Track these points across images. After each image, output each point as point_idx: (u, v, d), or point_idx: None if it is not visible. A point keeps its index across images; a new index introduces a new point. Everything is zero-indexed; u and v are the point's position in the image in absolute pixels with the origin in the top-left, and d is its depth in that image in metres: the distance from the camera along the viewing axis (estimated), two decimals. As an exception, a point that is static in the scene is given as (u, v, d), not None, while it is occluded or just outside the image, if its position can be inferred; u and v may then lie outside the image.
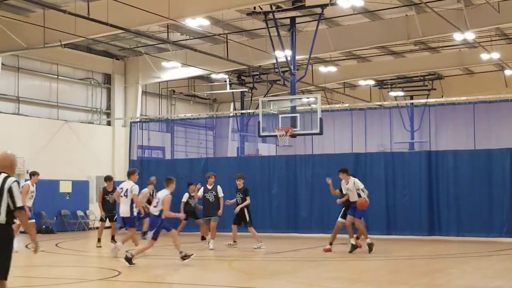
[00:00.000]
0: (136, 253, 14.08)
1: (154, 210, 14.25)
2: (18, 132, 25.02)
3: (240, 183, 18.51)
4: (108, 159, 29.07)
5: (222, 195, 18.20)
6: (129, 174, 16.76)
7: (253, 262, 15.88)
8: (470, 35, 24.43)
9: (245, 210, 18.20)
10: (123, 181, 27.71)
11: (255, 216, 24.08)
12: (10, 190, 7.40)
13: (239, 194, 18.32)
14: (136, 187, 16.21)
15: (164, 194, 14.22)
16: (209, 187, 18.29)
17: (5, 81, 25.12)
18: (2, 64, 24.49)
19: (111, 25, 20.15)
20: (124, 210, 16.12)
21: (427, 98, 30.88)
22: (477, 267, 14.21)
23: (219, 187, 18.26)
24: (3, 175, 7.55)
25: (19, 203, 7.40)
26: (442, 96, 31.32)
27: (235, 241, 18.51)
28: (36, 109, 26.59)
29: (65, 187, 26.74)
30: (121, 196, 16.17)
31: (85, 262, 16.55)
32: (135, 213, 16.19)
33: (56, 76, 27.52)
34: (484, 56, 28.90)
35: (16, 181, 7.53)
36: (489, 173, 20.94)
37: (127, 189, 16.15)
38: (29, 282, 12.58)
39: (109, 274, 13.05)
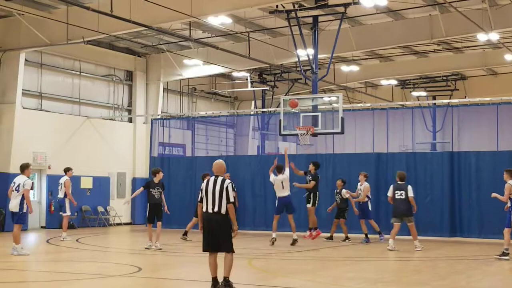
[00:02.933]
0: None
1: None
2: (40, 128, 25.23)
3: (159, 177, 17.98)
4: (129, 155, 29.23)
5: (412, 195, 17.70)
6: (23, 168, 16.11)
7: (274, 260, 15.88)
8: (494, 36, 24.23)
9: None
10: (144, 178, 28.08)
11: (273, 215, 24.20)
12: (227, 189, 10.17)
13: (157, 188, 17.89)
14: (29, 182, 15.84)
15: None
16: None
17: (28, 77, 25.32)
18: (26, 60, 24.69)
19: (134, 22, 20.27)
20: (13, 204, 15.76)
21: (450, 99, 30.82)
22: (499, 269, 14.13)
23: (409, 187, 17.77)
24: (221, 178, 10.32)
25: (231, 199, 10.15)
26: (465, 96, 31.16)
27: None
28: (58, 105, 26.77)
29: (86, 183, 26.94)
30: (13, 191, 15.76)
31: (105, 258, 16.65)
32: (24, 209, 15.75)
33: (78, 73, 27.70)
34: (508, 57, 28.71)
35: (230, 182, 10.26)
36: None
37: (19, 184, 15.72)
38: (51, 277, 12.70)
39: (130, 270, 13.13)
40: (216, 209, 10.13)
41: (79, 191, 26.48)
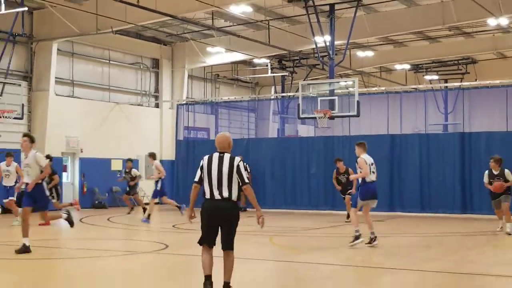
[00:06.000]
0: None
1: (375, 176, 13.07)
2: (73, 114, 25.42)
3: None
4: (156, 139, 29.33)
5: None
6: None
7: (293, 237, 15.90)
8: (504, 21, 23.95)
9: None
10: (171, 160, 28.07)
11: (294, 195, 24.23)
12: (238, 168, 7.68)
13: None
14: None
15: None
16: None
17: (61, 66, 25.47)
18: (58, 49, 24.83)
19: (160, 13, 20.33)
20: None
21: (461, 82, 30.52)
22: (509, 245, 14.04)
23: (506, 171, 15.46)
24: (228, 155, 7.77)
25: (246, 180, 7.65)
26: (476, 79, 30.85)
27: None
28: (89, 92, 26.92)
29: (116, 165, 27.09)
30: None
31: (135, 235, 16.79)
32: None
33: (108, 61, 27.81)
34: (517, 41, 28.38)
35: (241, 160, 7.80)
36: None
37: None
38: (85, 254, 12.83)
39: (158, 247, 13.23)
40: (225, 195, 7.59)
41: (110, 173, 26.73)
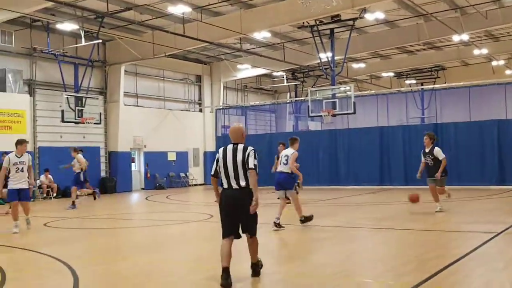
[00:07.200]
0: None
1: (284, 168, 10.99)
2: (138, 119, 25.68)
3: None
4: (201, 136, 29.54)
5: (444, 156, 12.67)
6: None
7: (307, 207, 15.92)
8: (465, 36, 23.67)
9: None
10: (213, 151, 28.13)
11: (307, 174, 24.19)
12: (248, 156, 6.30)
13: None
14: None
15: (291, 151, 11.05)
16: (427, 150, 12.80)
17: (128, 83, 25.76)
18: (125, 70, 25.10)
19: (201, 40, 20.44)
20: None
21: (433, 84, 30.20)
22: (463, 209, 13.96)
23: (436, 149, 12.67)
24: (241, 145, 6.41)
25: (251, 165, 6.22)
26: (445, 82, 30.52)
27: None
28: (149, 102, 27.18)
29: (171, 156, 27.38)
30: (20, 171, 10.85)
31: (187, 209, 16.97)
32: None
33: (162, 78, 28.03)
34: (476, 52, 27.96)
35: (253, 149, 6.36)
36: (481, 138, 20.51)
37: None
38: (152, 223, 13.04)
39: (204, 217, 13.37)
40: (242, 184, 6.22)
41: (167, 162, 27.02)
